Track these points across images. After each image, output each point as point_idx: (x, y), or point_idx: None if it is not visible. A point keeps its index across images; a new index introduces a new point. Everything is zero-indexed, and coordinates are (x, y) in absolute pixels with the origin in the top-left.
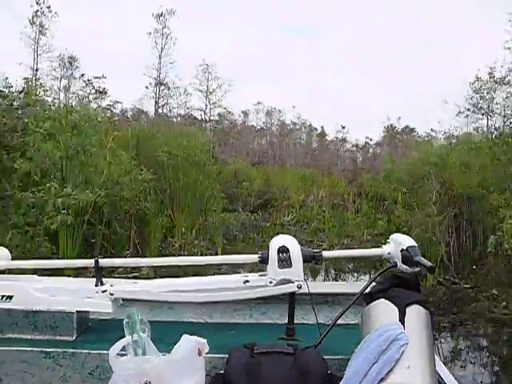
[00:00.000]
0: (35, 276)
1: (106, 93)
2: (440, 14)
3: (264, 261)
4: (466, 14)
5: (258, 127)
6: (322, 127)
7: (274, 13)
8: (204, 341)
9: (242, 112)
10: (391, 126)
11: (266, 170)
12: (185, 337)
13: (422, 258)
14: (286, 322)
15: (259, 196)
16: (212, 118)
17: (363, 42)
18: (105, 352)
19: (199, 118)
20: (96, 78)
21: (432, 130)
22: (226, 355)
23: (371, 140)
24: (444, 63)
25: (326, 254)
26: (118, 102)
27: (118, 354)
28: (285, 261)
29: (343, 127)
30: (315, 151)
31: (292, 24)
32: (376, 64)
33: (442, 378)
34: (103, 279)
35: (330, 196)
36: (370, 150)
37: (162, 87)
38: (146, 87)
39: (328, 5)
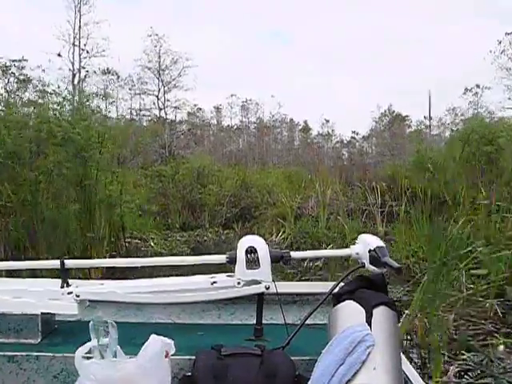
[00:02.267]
0: None
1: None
2: (413, 10)
3: (232, 261)
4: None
5: (234, 126)
6: (306, 122)
7: (247, 18)
8: (171, 342)
9: (214, 108)
10: (386, 111)
11: (241, 169)
12: (152, 337)
13: (390, 259)
14: (255, 322)
15: (234, 203)
16: (168, 104)
17: (337, 43)
18: (70, 355)
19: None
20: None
21: (425, 117)
22: (194, 357)
23: (358, 134)
24: (418, 59)
25: (294, 254)
26: None
27: (83, 357)
28: (253, 261)
29: (327, 121)
30: (298, 149)
31: (266, 29)
32: (352, 63)
33: (408, 378)
34: (69, 280)
35: (338, 198)
36: (357, 146)
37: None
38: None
39: (300, 8)
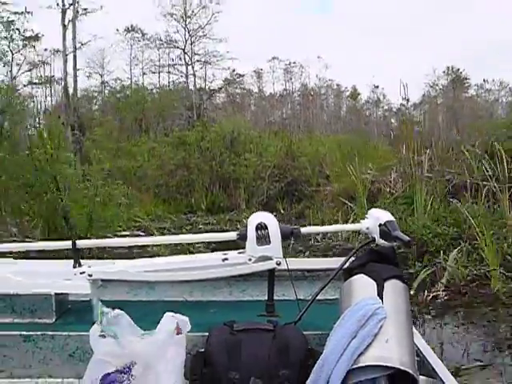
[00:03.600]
0: (11, 259)
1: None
2: None
3: (242, 238)
4: None
5: (277, 93)
6: (355, 87)
7: None
8: (186, 318)
9: (255, 72)
10: (448, 71)
11: (286, 135)
12: (167, 315)
13: (400, 233)
14: (266, 298)
15: (277, 177)
16: (198, 59)
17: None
18: (85, 333)
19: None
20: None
21: (485, 80)
22: (207, 333)
23: (408, 101)
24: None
25: (304, 230)
26: None
27: (98, 336)
28: (263, 238)
29: (376, 87)
30: (346, 117)
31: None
32: (397, 32)
33: (420, 351)
34: (81, 260)
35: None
36: (407, 113)
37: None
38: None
39: None
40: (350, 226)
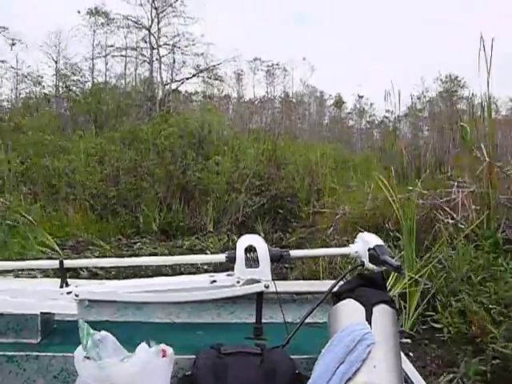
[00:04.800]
0: None
1: None
2: None
3: (231, 260)
4: None
5: (257, 99)
6: (339, 95)
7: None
8: (166, 346)
9: (234, 73)
10: (443, 78)
11: (269, 138)
12: (144, 343)
13: (389, 257)
14: (254, 321)
15: (258, 189)
16: (165, 41)
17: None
18: (70, 355)
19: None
20: None
21: (473, 94)
22: (194, 356)
23: (392, 113)
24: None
25: (293, 253)
26: None
27: (82, 357)
28: (252, 260)
29: (361, 97)
30: (328, 126)
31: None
32: (382, 45)
33: (408, 376)
34: (68, 280)
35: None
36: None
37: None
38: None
39: None
40: (339, 250)
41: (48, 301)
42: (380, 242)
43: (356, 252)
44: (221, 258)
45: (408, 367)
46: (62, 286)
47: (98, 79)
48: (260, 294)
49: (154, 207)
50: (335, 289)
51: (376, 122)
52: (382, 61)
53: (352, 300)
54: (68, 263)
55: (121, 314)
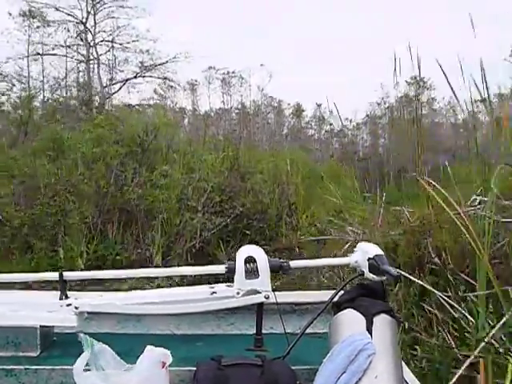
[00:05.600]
0: None
1: None
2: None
3: (231, 271)
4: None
5: (213, 109)
6: (299, 104)
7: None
8: (167, 352)
9: (188, 84)
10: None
11: (230, 144)
12: (148, 348)
13: (389, 267)
14: (254, 332)
15: (219, 206)
16: (102, 37)
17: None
18: (69, 367)
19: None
20: None
21: (433, 99)
22: (194, 368)
23: (351, 122)
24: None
25: (293, 263)
26: None
27: (82, 370)
28: (252, 271)
29: (319, 105)
30: (286, 136)
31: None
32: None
33: None
34: (68, 292)
35: None
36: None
37: None
38: None
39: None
40: (339, 260)
41: (47, 313)
42: (380, 251)
43: (356, 262)
44: (220, 269)
45: (409, 377)
46: (61, 298)
47: (34, 84)
48: (260, 305)
49: (81, 236)
50: (335, 299)
51: (335, 130)
52: (342, 70)
53: (352, 310)
54: (68, 275)
55: (121, 326)
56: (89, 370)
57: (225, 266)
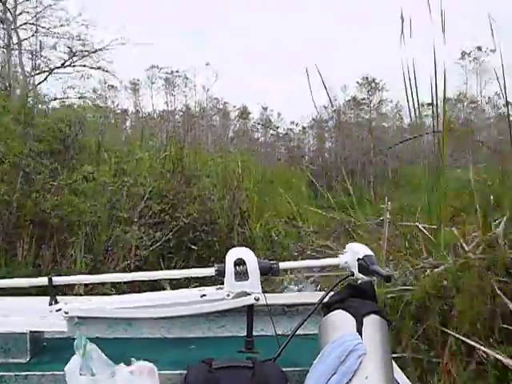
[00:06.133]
0: None
1: None
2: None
3: (220, 274)
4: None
5: (157, 111)
6: (245, 106)
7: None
8: (154, 368)
9: (131, 84)
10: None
11: (173, 142)
12: (135, 363)
13: (378, 267)
14: (245, 334)
15: (158, 216)
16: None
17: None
18: (59, 373)
19: None
20: None
21: (380, 101)
22: (185, 371)
23: (297, 125)
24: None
25: (283, 265)
26: None
27: (72, 374)
28: (242, 273)
29: (265, 108)
30: (232, 139)
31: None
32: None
33: None
34: (57, 297)
35: None
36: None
37: None
38: None
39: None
40: (328, 261)
41: (37, 319)
42: (369, 252)
43: (345, 262)
44: (210, 271)
45: (400, 377)
46: (51, 304)
47: None
48: (250, 307)
49: None
50: (325, 300)
51: (281, 134)
52: (285, 74)
53: (342, 311)
54: (57, 280)
55: (111, 331)
56: (80, 373)
57: (214, 269)
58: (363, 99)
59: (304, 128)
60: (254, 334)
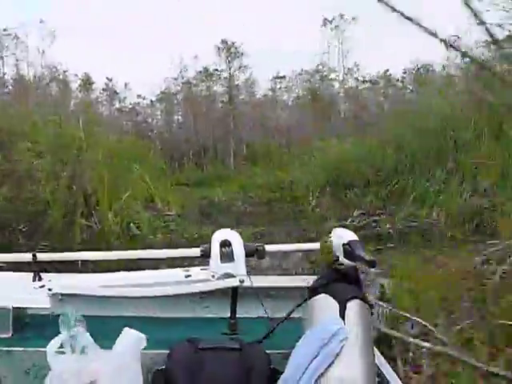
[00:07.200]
0: None
1: None
2: None
3: (206, 255)
4: None
5: None
6: (87, 74)
7: None
8: (143, 336)
9: None
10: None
11: None
12: (125, 331)
13: (363, 252)
14: (229, 316)
15: None
16: None
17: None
18: (42, 349)
19: None
20: None
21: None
22: (167, 351)
23: (144, 99)
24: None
25: (268, 247)
26: None
27: (55, 351)
28: (227, 255)
29: (110, 79)
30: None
31: None
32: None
33: (380, 371)
34: (41, 274)
35: None
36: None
37: None
38: None
39: None
40: (313, 245)
41: (20, 294)
42: (355, 237)
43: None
44: (195, 252)
45: (381, 362)
46: (34, 280)
47: None
48: (235, 289)
49: None
50: (310, 283)
51: (127, 108)
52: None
53: (326, 295)
54: (41, 256)
55: (96, 308)
56: (63, 352)
57: (200, 249)
58: (216, 70)
59: (152, 102)
60: (238, 316)
